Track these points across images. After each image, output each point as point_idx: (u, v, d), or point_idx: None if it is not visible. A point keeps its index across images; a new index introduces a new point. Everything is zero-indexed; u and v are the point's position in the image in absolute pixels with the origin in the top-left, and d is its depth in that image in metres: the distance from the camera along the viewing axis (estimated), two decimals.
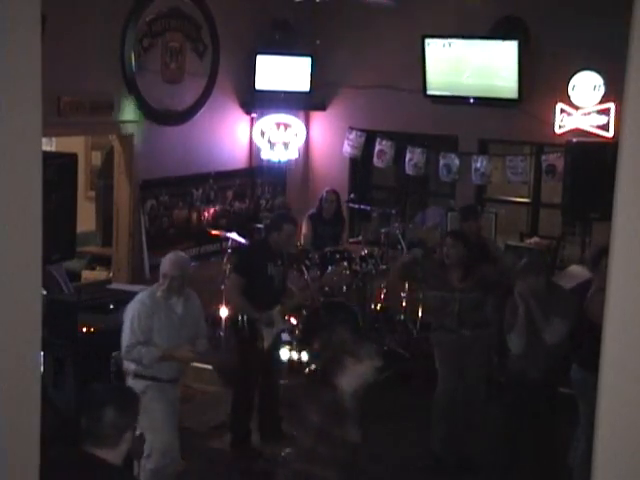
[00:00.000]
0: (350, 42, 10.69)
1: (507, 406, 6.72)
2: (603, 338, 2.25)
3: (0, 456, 2.36)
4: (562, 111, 9.55)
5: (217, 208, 10.27)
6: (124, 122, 9.05)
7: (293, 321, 8.72)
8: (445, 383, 7.08)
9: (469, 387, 7.02)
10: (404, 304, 9.91)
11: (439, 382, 7.14)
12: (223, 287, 8.95)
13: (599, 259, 6.17)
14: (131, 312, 6.02)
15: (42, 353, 3.80)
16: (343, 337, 5.11)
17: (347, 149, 10.85)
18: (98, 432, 3.62)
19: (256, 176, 10.87)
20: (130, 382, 5.99)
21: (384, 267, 9.77)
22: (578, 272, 7.98)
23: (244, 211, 10.62)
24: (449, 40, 9.87)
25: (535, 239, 9.90)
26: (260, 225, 9.86)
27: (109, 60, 8.79)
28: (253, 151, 10.83)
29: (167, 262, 6.15)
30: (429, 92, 10.15)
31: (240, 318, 7.27)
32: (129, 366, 6.08)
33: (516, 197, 10.60)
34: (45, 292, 6.62)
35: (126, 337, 5.99)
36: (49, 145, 10.21)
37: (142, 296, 6.10)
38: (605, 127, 9.34)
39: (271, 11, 10.58)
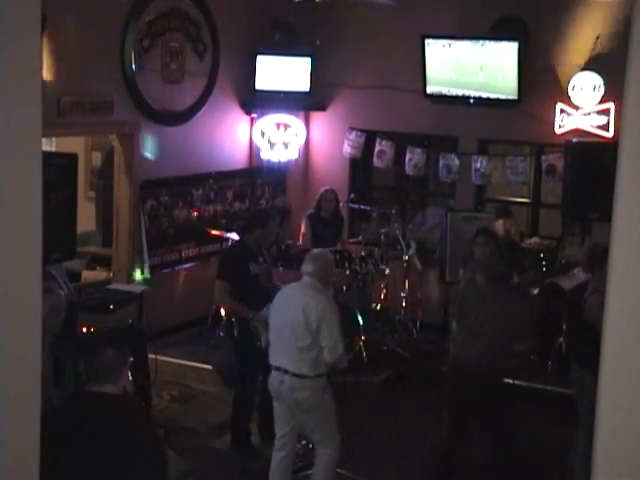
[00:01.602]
0: (350, 42, 10.68)
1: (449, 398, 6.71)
2: (603, 338, 2.25)
3: (0, 456, 2.36)
4: (562, 111, 9.55)
5: (217, 208, 10.27)
6: (124, 122, 9.05)
7: None
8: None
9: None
10: (404, 304, 9.92)
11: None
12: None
13: (596, 260, 6.18)
14: (334, 318, 5.92)
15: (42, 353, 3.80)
16: None
17: (347, 149, 10.85)
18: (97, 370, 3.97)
19: (256, 176, 10.87)
20: (311, 384, 5.96)
21: (384, 267, 9.78)
22: (577, 272, 7.99)
23: (244, 211, 10.62)
24: (449, 40, 9.87)
25: (535, 239, 9.90)
26: None
27: (109, 60, 8.79)
28: (253, 151, 10.83)
29: (328, 259, 6.30)
30: (429, 92, 10.15)
31: (234, 320, 7.28)
32: (319, 370, 5.99)
33: (516, 197, 10.59)
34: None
35: (338, 342, 5.92)
36: (49, 145, 10.21)
37: (323, 298, 5.98)
38: (605, 127, 9.34)
39: (271, 11, 10.58)
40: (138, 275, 9.22)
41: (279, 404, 6.14)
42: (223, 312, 8.68)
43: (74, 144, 10.14)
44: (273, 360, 6.09)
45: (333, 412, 6.12)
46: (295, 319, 5.90)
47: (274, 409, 6.20)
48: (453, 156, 10.26)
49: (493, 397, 6.50)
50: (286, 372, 5.95)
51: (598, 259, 6.17)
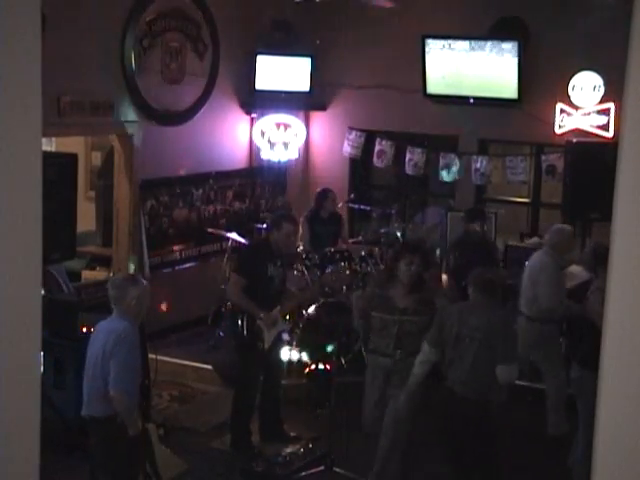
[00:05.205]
0: (350, 42, 10.68)
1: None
2: (603, 338, 2.24)
3: (0, 456, 2.36)
4: (562, 111, 9.55)
5: (217, 208, 10.27)
6: (124, 122, 9.05)
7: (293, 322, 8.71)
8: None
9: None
10: None
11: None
12: (223, 287, 8.95)
13: (599, 259, 6.17)
14: (554, 275, 7.46)
15: (42, 353, 3.79)
16: None
17: (347, 149, 10.85)
18: None
19: (256, 176, 10.87)
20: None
21: (384, 267, 9.76)
22: (578, 272, 7.99)
23: (244, 211, 10.62)
24: (449, 40, 9.87)
25: (535, 239, 9.90)
26: (260, 225, 9.86)
27: (109, 60, 8.79)
28: (253, 151, 10.83)
29: (565, 232, 7.70)
30: (429, 92, 10.15)
31: (240, 318, 7.26)
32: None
33: (516, 197, 10.60)
34: (44, 292, 6.62)
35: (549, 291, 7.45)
36: (49, 145, 10.20)
37: (547, 260, 7.51)
38: (605, 127, 9.35)
39: (271, 11, 10.58)
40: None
41: None
42: (229, 311, 8.64)
43: (74, 144, 10.13)
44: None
45: (558, 347, 7.69)
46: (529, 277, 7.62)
47: None
48: (453, 156, 10.26)
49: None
50: (521, 314, 7.54)
51: (601, 258, 6.17)
